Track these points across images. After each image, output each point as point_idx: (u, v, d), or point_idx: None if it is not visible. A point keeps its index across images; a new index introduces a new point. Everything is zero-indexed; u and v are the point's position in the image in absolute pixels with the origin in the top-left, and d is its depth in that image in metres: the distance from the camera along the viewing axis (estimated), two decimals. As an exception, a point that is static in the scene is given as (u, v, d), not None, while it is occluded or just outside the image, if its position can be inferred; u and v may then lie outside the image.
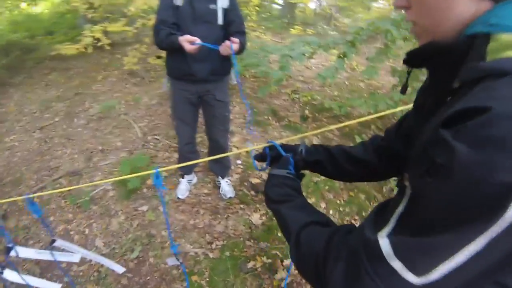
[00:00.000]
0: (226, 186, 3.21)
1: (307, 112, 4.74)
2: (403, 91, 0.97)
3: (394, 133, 1.12)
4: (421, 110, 0.84)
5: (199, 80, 2.55)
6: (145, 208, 2.96)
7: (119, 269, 1.69)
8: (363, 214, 3.30)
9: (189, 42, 2.22)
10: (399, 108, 1.74)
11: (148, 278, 2.48)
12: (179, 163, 3.11)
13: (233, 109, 4.45)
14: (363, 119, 1.93)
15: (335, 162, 1.21)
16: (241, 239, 2.82)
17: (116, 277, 2.45)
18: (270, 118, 4.47)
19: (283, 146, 1.26)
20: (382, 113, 1.87)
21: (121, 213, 2.92)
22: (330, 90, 5.60)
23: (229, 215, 3.03)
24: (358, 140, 3.28)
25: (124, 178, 2.62)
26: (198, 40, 2.24)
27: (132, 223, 2.84)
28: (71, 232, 2.77)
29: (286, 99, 5.02)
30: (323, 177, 3.44)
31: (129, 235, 2.73)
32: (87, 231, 2.78)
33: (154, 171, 1.26)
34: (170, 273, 2.52)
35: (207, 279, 2.51)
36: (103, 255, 2.56)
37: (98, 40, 4.58)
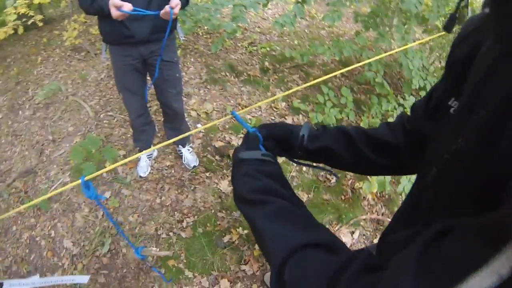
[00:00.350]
0: (189, 155, 3.07)
1: (267, 64, 4.49)
2: (449, 27, 0.83)
3: (422, 112, 0.89)
4: (473, 86, 0.61)
5: (140, 42, 2.25)
6: (107, 194, 2.84)
7: (83, 279, 1.58)
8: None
9: (116, 7, 1.89)
10: (372, 59, 1.54)
11: (125, 270, 2.43)
12: (134, 138, 2.93)
13: (188, 70, 4.19)
14: (341, 71, 1.75)
15: (352, 147, 0.96)
16: (212, 211, 2.75)
17: (91, 278, 2.37)
18: (227, 74, 4.22)
19: (272, 126, 1.00)
20: (359, 64, 1.69)
21: (84, 205, 2.79)
22: (290, 40, 5.28)
23: (196, 186, 2.93)
24: (325, 90, 3.10)
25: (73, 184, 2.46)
26: (128, 5, 1.91)
27: (97, 214, 2.73)
28: (37, 239, 2.65)
29: (243, 53, 4.72)
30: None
31: (96, 228, 2.64)
32: (53, 233, 2.66)
33: (79, 181, 0.93)
34: (146, 260, 2.44)
35: (185, 261, 2.48)
36: (74, 255, 2.50)
37: (27, 16, 4.15)
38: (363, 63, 1.75)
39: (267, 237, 0.65)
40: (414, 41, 2.69)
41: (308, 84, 1.14)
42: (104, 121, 3.50)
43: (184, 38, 2.54)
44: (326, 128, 1.01)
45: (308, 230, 0.65)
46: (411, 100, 3.02)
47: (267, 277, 2.45)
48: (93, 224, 2.66)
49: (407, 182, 2.60)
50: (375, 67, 3.09)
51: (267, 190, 0.74)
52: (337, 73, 1.18)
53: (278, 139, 0.98)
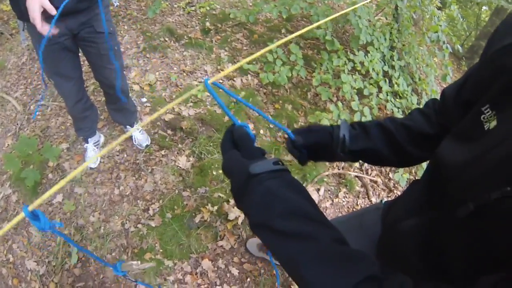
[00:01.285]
0: (139, 135, 2.86)
1: (208, 24, 4.18)
2: None
3: (453, 104, 0.83)
4: None
5: (65, 13, 1.75)
6: (59, 198, 2.60)
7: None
8: (294, 125, 3.18)
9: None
10: (323, 20, 1.40)
11: (102, 276, 2.32)
12: (75, 127, 2.62)
13: (122, 39, 3.78)
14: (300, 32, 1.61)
15: (395, 145, 0.94)
16: (176, 192, 2.66)
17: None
18: (167, 39, 3.89)
19: (307, 132, 0.93)
20: (314, 26, 1.56)
21: (36, 217, 2.54)
22: None
23: (153, 167, 2.79)
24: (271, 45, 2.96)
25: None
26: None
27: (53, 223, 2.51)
28: None
29: (181, 14, 4.34)
30: (242, 94, 3.25)
31: (57, 239, 2.43)
32: (11, 258, 2.41)
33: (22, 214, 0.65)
34: (120, 260, 2.37)
35: (161, 251, 2.42)
36: (42, 275, 2.32)
37: None
38: (317, 24, 1.65)
39: (317, 283, 0.56)
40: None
41: (280, 42, 1.03)
42: (37, 113, 3.13)
43: (117, 4, 2.20)
44: (365, 127, 0.97)
45: (357, 265, 0.57)
46: (360, 56, 2.99)
47: (250, 243, 2.49)
48: (52, 236, 2.46)
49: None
50: (324, 25, 2.99)
51: (301, 215, 0.60)
52: (297, 33, 1.08)
53: (318, 146, 0.94)
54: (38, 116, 3.09)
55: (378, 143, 0.94)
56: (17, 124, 3.06)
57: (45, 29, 1.60)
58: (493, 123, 0.59)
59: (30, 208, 0.71)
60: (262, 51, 0.86)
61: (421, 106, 1.02)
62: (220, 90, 0.83)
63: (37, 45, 1.96)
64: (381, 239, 1.01)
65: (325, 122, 2.59)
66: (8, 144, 2.95)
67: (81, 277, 2.31)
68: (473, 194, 0.58)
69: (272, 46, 0.98)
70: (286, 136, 0.94)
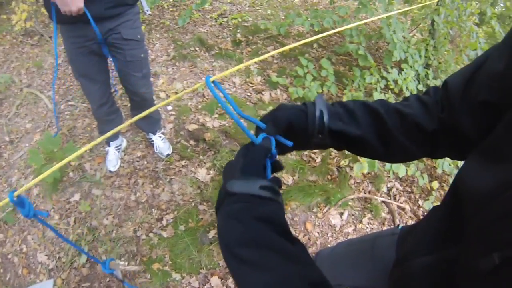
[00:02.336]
0: (161, 143, 2.82)
1: (239, 36, 4.17)
2: None
3: (460, 93, 0.67)
4: None
5: (95, 19, 1.86)
6: (77, 197, 2.60)
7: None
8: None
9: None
10: (350, 25, 1.34)
11: (108, 280, 2.26)
12: (99, 130, 2.64)
13: (153, 47, 3.84)
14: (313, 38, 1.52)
15: (385, 134, 0.74)
16: (193, 204, 2.58)
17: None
18: (197, 49, 3.90)
19: (276, 115, 0.74)
20: (330, 32, 1.48)
21: (53, 212, 2.55)
22: (262, 9, 4.93)
23: (172, 177, 2.74)
24: (304, 62, 2.88)
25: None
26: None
27: (68, 221, 2.50)
28: (9, 256, 2.41)
29: (213, 25, 4.37)
30: (269, 109, 3.13)
31: (70, 237, 2.42)
32: (24, 248, 2.42)
33: (6, 199, 0.72)
34: (115, 275, 2.28)
35: (170, 263, 2.34)
36: (51, 270, 2.30)
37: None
38: (342, 28, 1.56)
39: None
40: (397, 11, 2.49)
41: (284, 48, 0.92)
42: (66, 113, 3.18)
43: (149, 12, 2.22)
44: (348, 106, 0.77)
45: None
46: (394, 73, 2.85)
47: None
48: (65, 233, 2.45)
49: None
50: (357, 39, 2.89)
51: (261, 245, 0.54)
52: (316, 37, 0.99)
53: (291, 129, 0.74)
54: (66, 116, 3.14)
55: (364, 126, 0.74)
56: (47, 121, 3.14)
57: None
58: None
59: (16, 193, 0.68)
60: (265, 56, 0.78)
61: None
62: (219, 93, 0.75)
63: (67, 48, 2.06)
64: (392, 272, 0.86)
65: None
66: (36, 139, 3.02)
67: (88, 277, 2.27)
68: (499, 240, 0.44)
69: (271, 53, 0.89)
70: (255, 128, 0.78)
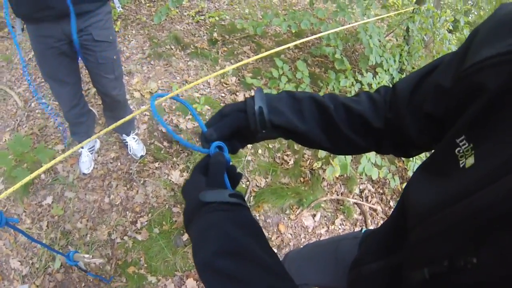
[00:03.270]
0: (135, 144, 2.79)
1: (215, 35, 4.11)
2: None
3: (407, 98, 0.69)
4: None
5: (61, 16, 1.72)
6: (49, 200, 2.55)
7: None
8: (295, 147, 3.09)
9: None
10: (330, 31, 1.37)
11: (84, 284, 2.25)
12: (70, 131, 2.55)
13: (129, 44, 3.75)
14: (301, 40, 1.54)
15: (331, 128, 0.75)
16: (167, 206, 2.59)
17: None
18: (173, 47, 3.84)
19: (218, 121, 0.76)
20: (311, 37, 1.50)
21: (25, 216, 2.49)
22: (240, 8, 4.86)
23: (146, 179, 2.72)
24: (279, 63, 2.88)
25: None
26: None
27: (41, 225, 2.46)
28: None
29: (190, 23, 4.29)
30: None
31: (42, 241, 2.35)
32: None
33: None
34: (104, 270, 2.30)
35: (145, 266, 2.35)
36: (24, 276, 2.26)
37: None
38: (322, 34, 1.58)
39: None
40: (375, 17, 2.52)
41: (261, 55, 0.94)
42: (37, 111, 3.07)
43: (121, 9, 2.15)
44: (295, 100, 0.77)
45: None
46: (369, 77, 2.90)
47: None
48: (38, 237, 2.40)
49: (366, 162, 2.54)
50: (335, 42, 2.91)
51: (241, 255, 0.55)
52: (294, 43, 1.00)
53: (236, 132, 0.77)
54: (37, 114, 3.06)
55: (309, 120, 0.75)
56: (17, 120, 3.03)
57: None
58: (470, 160, 0.47)
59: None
60: (224, 70, 0.79)
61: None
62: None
63: (35, 48, 1.95)
64: (349, 275, 0.90)
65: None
66: (5, 140, 2.92)
67: (63, 283, 2.24)
68: (432, 254, 0.47)
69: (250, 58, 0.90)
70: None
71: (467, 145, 0.48)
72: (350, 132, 0.75)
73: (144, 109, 0.81)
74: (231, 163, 0.73)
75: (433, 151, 0.61)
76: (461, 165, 0.48)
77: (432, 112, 0.62)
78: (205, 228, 0.58)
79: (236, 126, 0.75)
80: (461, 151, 0.49)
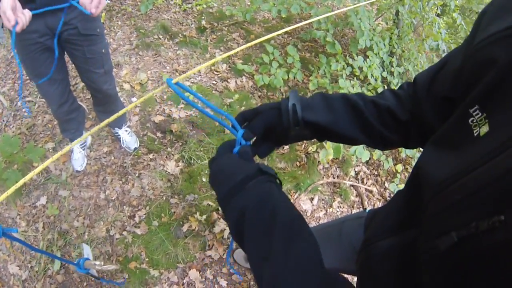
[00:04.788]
0: (127, 137, 2.74)
1: (203, 22, 4.03)
2: None
3: (426, 88, 0.74)
4: None
5: (43, 7, 1.62)
6: (43, 200, 2.49)
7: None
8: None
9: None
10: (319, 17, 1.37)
11: (86, 284, 2.23)
12: (60, 128, 2.51)
13: (115, 35, 3.66)
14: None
15: (364, 123, 0.79)
16: (164, 198, 2.56)
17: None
18: (161, 37, 3.75)
19: (252, 115, 0.80)
20: (309, 21, 1.48)
21: (20, 219, 2.44)
22: None
23: (141, 171, 2.69)
24: (270, 49, 2.85)
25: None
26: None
27: (37, 227, 2.41)
28: None
29: (177, 11, 4.18)
30: (236, 97, 3.14)
31: (40, 244, 2.33)
32: None
33: None
34: (90, 274, 2.24)
35: (147, 260, 2.33)
36: (24, 281, 2.21)
37: None
38: (313, 19, 1.57)
39: None
40: (365, 1, 2.51)
41: (257, 41, 0.96)
42: (23, 110, 2.99)
43: (108, 1, 2.06)
44: (326, 97, 0.81)
45: None
46: (360, 60, 2.90)
47: (237, 254, 2.41)
48: (35, 240, 2.36)
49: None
50: (325, 26, 2.89)
51: (288, 234, 0.58)
52: (290, 28, 1.01)
53: (270, 130, 0.80)
54: (24, 113, 2.97)
55: (341, 117, 0.79)
56: (3, 120, 2.93)
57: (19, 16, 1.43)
58: (484, 129, 0.48)
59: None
60: (218, 58, 0.78)
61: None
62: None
63: (17, 45, 1.81)
64: (358, 256, 0.89)
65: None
66: (-7, 142, 2.81)
67: (64, 284, 2.22)
68: (457, 221, 0.48)
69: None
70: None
71: (480, 114, 0.50)
72: (381, 126, 0.80)
73: (160, 89, 0.78)
74: None
75: (443, 126, 0.62)
76: (475, 134, 0.50)
77: (449, 95, 0.65)
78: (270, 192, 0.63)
79: (270, 122, 0.79)
80: (474, 120, 0.51)
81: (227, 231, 2.46)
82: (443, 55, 3.20)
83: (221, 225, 2.46)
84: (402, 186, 2.70)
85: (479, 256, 0.43)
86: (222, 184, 0.68)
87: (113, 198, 2.55)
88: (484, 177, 0.44)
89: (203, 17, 4.14)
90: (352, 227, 1.14)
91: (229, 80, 3.40)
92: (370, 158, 2.79)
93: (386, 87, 3.07)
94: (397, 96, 0.82)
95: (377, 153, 2.70)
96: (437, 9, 3.45)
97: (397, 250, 0.69)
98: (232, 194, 0.64)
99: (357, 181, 2.97)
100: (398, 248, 0.69)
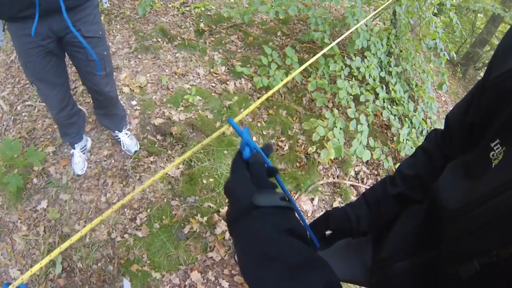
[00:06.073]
0: (127, 140, 2.74)
1: (202, 25, 4.05)
2: None
3: (459, 124, 0.76)
4: None
5: (48, 12, 1.64)
6: (44, 204, 2.50)
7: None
8: (289, 132, 3.08)
9: None
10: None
11: (87, 287, 2.23)
12: (60, 133, 2.50)
13: (114, 39, 3.67)
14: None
15: (406, 201, 0.89)
16: (165, 200, 2.57)
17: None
18: (159, 40, 3.77)
19: (327, 224, 0.93)
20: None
21: (21, 223, 2.44)
22: None
23: (141, 174, 2.70)
24: (268, 51, 2.86)
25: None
26: None
27: (38, 231, 2.41)
28: None
29: (175, 14, 4.20)
30: (235, 99, 3.15)
31: (41, 248, 2.34)
32: None
33: None
34: (106, 270, 2.28)
35: (148, 262, 2.33)
36: (25, 285, 2.20)
37: None
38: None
39: None
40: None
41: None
42: (23, 114, 2.98)
43: (108, 4, 2.06)
44: (370, 201, 0.96)
45: None
46: (357, 61, 2.91)
47: None
48: (36, 244, 2.36)
49: (358, 145, 2.56)
50: (322, 27, 2.91)
51: (306, 266, 0.52)
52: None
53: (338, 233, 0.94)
54: (24, 117, 2.97)
55: (387, 214, 0.91)
56: (3, 124, 2.94)
57: None
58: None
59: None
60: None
61: (429, 129, 0.93)
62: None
63: (18, 48, 1.83)
64: (371, 277, 0.90)
65: (320, 130, 2.50)
66: (-8, 147, 2.81)
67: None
68: (477, 248, 0.48)
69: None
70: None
71: (500, 148, 0.51)
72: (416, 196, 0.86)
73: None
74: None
75: (464, 155, 0.65)
76: (493, 167, 0.51)
77: (473, 121, 0.66)
78: (258, 231, 0.56)
79: (340, 228, 0.93)
80: (495, 154, 0.51)
81: (227, 235, 2.47)
82: (441, 54, 3.24)
83: (222, 226, 2.46)
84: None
85: (501, 284, 0.44)
86: (230, 208, 0.64)
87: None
88: (501, 207, 0.45)
89: (201, 20, 4.16)
90: (360, 240, 1.13)
91: (228, 82, 3.41)
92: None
93: (384, 87, 3.07)
94: (426, 153, 0.89)
95: (377, 152, 2.71)
96: (434, 8, 3.47)
97: (415, 270, 0.70)
98: (235, 220, 0.61)
99: (357, 181, 2.98)
100: (416, 268, 0.70)
